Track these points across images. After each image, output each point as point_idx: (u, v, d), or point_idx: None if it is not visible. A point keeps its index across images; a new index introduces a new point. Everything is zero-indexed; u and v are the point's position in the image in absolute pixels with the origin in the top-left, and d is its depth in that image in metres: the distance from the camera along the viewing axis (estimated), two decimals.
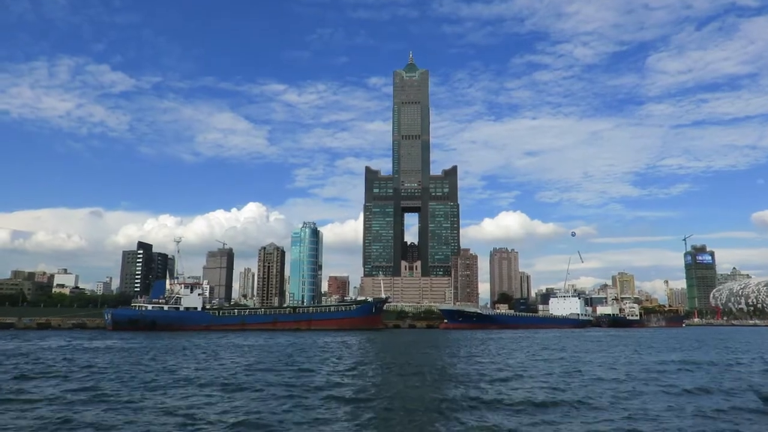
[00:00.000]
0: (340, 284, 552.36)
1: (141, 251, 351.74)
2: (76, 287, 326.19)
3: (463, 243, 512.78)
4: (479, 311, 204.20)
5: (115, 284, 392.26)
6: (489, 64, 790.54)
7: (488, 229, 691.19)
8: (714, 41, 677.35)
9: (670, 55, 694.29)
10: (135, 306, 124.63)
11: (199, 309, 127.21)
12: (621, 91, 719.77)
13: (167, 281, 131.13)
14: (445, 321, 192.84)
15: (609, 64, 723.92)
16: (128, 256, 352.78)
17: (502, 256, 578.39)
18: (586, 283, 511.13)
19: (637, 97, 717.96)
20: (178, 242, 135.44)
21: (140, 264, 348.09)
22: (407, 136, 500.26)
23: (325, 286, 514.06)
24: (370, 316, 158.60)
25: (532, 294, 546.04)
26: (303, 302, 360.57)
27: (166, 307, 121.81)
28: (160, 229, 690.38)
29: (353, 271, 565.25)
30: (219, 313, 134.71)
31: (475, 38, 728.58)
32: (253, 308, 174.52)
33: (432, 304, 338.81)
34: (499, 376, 37.94)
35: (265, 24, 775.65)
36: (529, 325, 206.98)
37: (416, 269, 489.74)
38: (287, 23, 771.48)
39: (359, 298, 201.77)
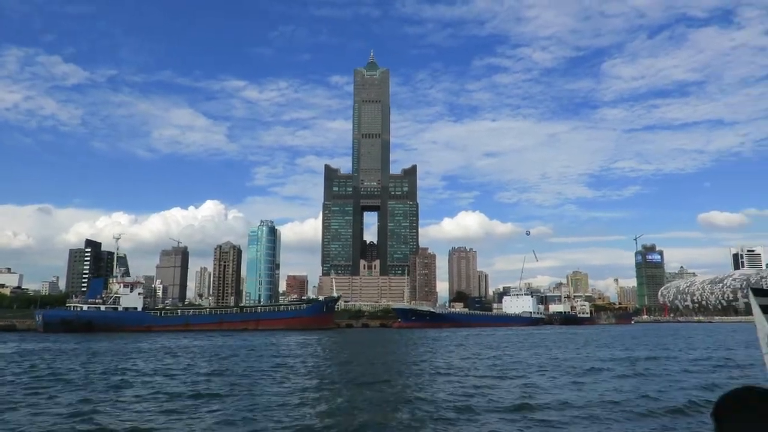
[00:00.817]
0: (299, 283, 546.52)
1: (89, 249, 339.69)
2: (18, 287, 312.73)
3: (423, 242, 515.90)
4: (433, 310, 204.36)
5: (63, 284, 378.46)
6: (450, 65, 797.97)
7: (448, 228, 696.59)
8: (665, 49, 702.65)
9: (624, 61, 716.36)
10: (70, 306, 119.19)
11: (140, 309, 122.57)
12: (578, 95, 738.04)
13: (111, 280, 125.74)
14: (399, 320, 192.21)
15: (566, 68, 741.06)
16: (75, 255, 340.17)
17: (461, 255, 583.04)
18: (543, 281, 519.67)
19: (593, 101, 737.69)
20: (117, 239, 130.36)
21: (88, 263, 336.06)
22: (367, 134, 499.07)
23: (283, 286, 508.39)
24: (321, 315, 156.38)
25: (490, 292, 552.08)
26: (260, 302, 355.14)
27: (103, 308, 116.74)
28: (113, 227, 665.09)
29: (313, 270, 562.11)
30: (161, 313, 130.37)
31: (436, 39, 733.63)
32: (198, 308, 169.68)
33: (390, 303, 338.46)
34: (411, 379, 36.75)
35: (227, 18, 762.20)
36: (482, 323, 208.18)
37: (375, 268, 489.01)
38: (250, 19, 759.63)
39: (311, 297, 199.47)
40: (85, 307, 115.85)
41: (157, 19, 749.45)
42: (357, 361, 50.97)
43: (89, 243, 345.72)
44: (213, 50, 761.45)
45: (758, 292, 3.08)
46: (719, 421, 1.94)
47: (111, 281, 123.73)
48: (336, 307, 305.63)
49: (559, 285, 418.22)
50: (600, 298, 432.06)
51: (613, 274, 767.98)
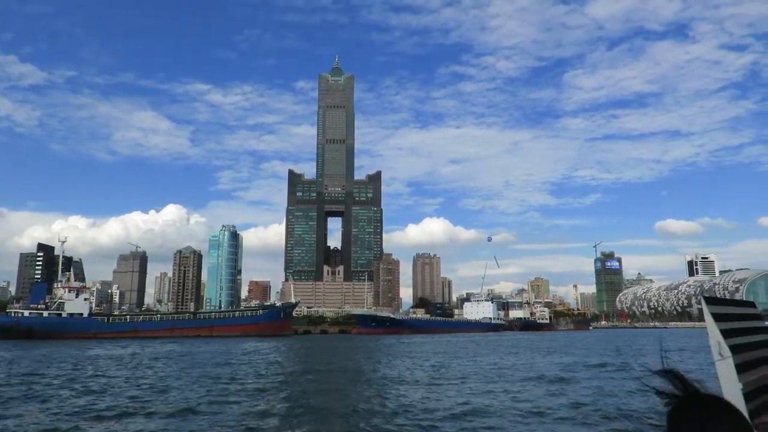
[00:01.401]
0: (262, 289, 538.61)
1: (41, 254, 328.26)
2: None
3: (388, 248, 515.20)
4: (392, 316, 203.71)
5: (14, 289, 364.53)
6: (416, 73, 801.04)
7: (412, 234, 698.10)
8: (624, 61, 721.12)
9: (585, 72, 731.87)
10: (10, 312, 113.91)
11: (86, 315, 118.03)
12: (540, 105, 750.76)
13: (55, 285, 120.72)
14: (359, 326, 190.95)
15: (529, 78, 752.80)
16: (26, 259, 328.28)
17: (425, 262, 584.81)
18: (506, 287, 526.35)
19: (555, 110, 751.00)
20: (63, 242, 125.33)
21: (40, 267, 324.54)
22: (332, 140, 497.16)
23: (246, 292, 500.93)
24: (277, 321, 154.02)
25: (454, 299, 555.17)
26: (221, 308, 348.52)
27: (45, 313, 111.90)
28: (70, 231, 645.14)
29: (277, 276, 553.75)
30: (108, 319, 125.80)
31: (402, 47, 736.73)
32: (148, 314, 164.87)
33: (353, 309, 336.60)
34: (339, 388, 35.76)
35: (191, 21, 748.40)
36: (441, 329, 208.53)
37: (339, 274, 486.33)
38: (214, 22, 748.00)
39: (272, 303, 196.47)
40: (26, 313, 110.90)
41: (120, 20, 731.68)
42: (293, 370, 49.70)
43: (41, 247, 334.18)
44: (177, 53, 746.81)
45: (710, 300, 3.15)
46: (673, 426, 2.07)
47: (55, 286, 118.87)
48: (297, 312, 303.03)
49: (520, 291, 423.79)
50: (561, 304, 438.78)
51: (574, 281, 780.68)
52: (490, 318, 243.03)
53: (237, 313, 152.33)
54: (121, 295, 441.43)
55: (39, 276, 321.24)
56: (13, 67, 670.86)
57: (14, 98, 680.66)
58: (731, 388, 2.73)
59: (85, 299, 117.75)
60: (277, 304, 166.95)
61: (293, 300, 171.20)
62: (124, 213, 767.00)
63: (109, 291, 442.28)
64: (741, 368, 2.86)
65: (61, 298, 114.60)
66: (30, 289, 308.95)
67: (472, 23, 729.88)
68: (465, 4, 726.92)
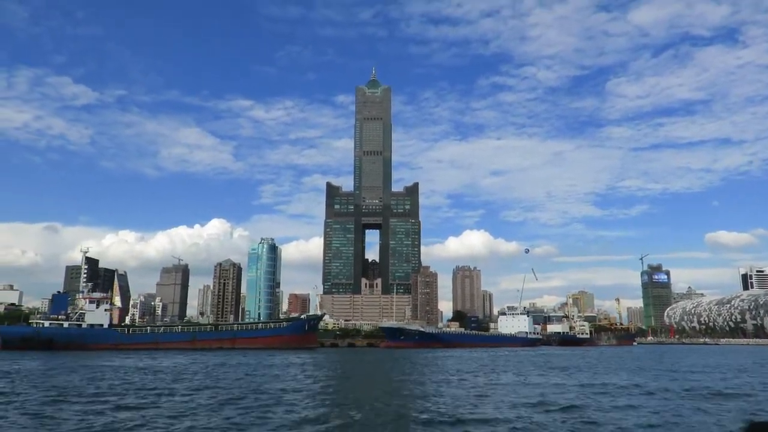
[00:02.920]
0: (301, 302, 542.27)
1: (86, 266, 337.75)
2: (13, 304, 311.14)
3: (427, 261, 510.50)
4: (422, 329, 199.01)
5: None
6: (455, 84, 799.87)
7: (452, 247, 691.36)
8: (669, 68, 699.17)
9: (629, 80, 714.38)
10: (32, 323, 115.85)
11: (106, 326, 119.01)
12: (582, 114, 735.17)
13: (76, 296, 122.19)
14: (387, 340, 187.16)
15: (571, 87, 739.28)
16: (72, 272, 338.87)
17: (465, 274, 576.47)
18: (549, 301, 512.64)
19: (598, 119, 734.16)
20: (86, 252, 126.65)
21: (85, 280, 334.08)
22: (369, 152, 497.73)
23: (286, 305, 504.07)
24: (302, 334, 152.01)
25: (495, 312, 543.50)
26: (260, 320, 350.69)
27: (66, 324, 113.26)
28: (119, 245, 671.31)
29: (318, 289, 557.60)
30: (129, 330, 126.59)
31: (441, 59, 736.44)
32: (168, 325, 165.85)
33: (399, 323, 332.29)
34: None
35: (233, 39, 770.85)
36: (474, 343, 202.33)
37: (377, 287, 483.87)
38: (255, 39, 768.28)
39: (298, 316, 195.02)
40: (46, 324, 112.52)
41: (165, 40, 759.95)
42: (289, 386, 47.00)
43: (87, 260, 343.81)
44: (220, 70, 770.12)
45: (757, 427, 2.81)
46: None
47: (77, 297, 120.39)
48: (335, 325, 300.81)
49: (563, 305, 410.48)
50: (605, 318, 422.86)
51: (619, 294, 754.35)
52: (526, 332, 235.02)
53: (260, 325, 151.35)
54: (164, 307, 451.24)
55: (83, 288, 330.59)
56: (67, 88, 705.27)
57: (67, 117, 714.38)
58: None
59: (106, 310, 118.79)
60: (302, 317, 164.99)
61: (318, 312, 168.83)
62: (170, 227, 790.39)
63: (152, 303, 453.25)
64: None
65: (81, 308, 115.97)
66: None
67: (511, 33, 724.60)
68: (504, 15, 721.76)
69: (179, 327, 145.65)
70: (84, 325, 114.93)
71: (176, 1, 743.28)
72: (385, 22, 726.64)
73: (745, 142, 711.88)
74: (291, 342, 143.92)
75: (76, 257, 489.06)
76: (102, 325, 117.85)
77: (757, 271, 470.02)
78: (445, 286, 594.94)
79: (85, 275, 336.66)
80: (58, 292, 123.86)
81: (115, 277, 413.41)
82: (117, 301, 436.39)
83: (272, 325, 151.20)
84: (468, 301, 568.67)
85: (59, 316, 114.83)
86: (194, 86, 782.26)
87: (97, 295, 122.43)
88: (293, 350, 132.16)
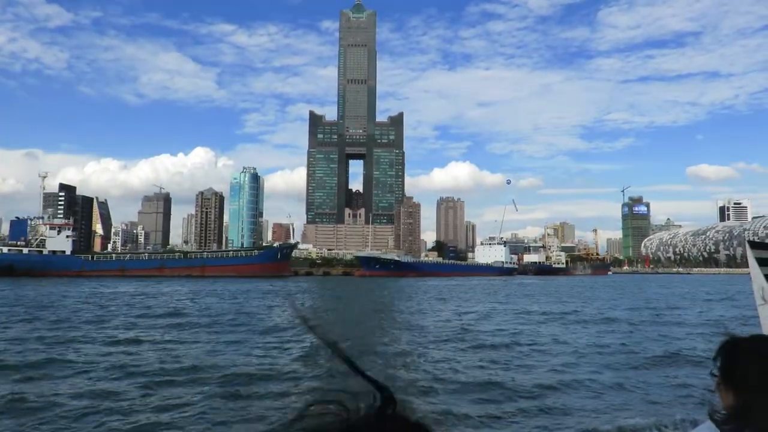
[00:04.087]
0: (285, 231, 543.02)
1: (62, 194, 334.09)
2: None
3: (413, 192, 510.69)
4: (397, 258, 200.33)
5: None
6: (444, 11, 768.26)
7: (438, 178, 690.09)
8: None
9: (621, 9, 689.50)
10: None
11: (68, 253, 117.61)
12: (572, 44, 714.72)
13: (35, 221, 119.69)
14: (362, 269, 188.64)
15: (562, 16, 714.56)
16: (48, 199, 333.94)
17: (449, 205, 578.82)
18: (533, 232, 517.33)
19: (588, 50, 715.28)
20: (44, 177, 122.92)
21: (62, 208, 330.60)
22: (353, 80, 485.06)
23: (270, 234, 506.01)
24: (274, 263, 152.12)
25: (478, 243, 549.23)
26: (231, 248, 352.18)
27: (26, 250, 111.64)
28: (102, 173, 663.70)
29: (302, 219, 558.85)
30: (93, 257, 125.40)
31: None
32: (135, 252, 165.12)
33: (377, 251, 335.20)
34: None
35: None
36: (450, 273, 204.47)
37: (360, 217, 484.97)
38: None
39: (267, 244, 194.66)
40: (5, 250, 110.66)
41: None
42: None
43: (63, 187, 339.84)
44: None
45: (756, 245, 3.04)
46: (730, 361, 1.99)
47: (36, 223, 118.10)
48: (318, 254, 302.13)
49: (544, 236, 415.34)
50: (585, 249, 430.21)
51: (601, 226, 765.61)
52: (503, 262, 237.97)
53: (231, 254, 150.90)
54: (146, 235, 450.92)
55: (61, 216, 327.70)
56: (40, 8, 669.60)
57: (42, 40, 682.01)
58: None
59: (68, 236, 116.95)
60: (275, 245, 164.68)
61: (292, 241, 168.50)
62: (153, 155, 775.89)
63: (135, 231, 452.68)
64: None
65: (42, 234, 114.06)
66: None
67: None
68: None
69: (146, 254, 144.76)
70: (45, 252, 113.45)
71: None
72: None
73: (733, 76, 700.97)
74: (263, 270, 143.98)
75: (55, 185, 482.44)
76: (64, 251, 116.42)
77: (735, 204, 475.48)
78: (429, 217, 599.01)
79: (61, 202, 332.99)
80: (17, 218, 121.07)
81: (95, 204, 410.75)
82: (98, 228, 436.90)
83: (243, 253, 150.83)
84: (451, 232, 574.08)
85: (18, 243, 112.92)
86: (173, 8, 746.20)
87: (58, 221, 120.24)
88: (265, 278, 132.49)
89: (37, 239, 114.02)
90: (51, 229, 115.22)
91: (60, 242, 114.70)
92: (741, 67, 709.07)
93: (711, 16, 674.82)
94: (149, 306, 47.65)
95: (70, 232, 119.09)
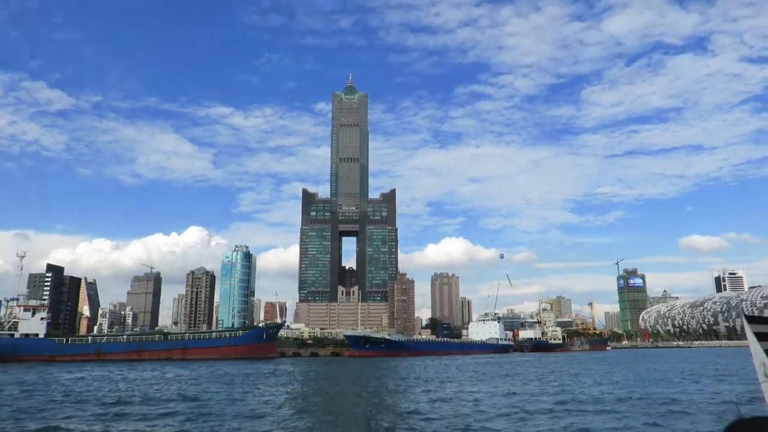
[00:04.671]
0: (278, 311, 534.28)
1: (50, 274, 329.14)
2: None
3: (407, 269, 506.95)
4: (388, 337, 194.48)
5: None
6: (434, 92, 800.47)
7: (431, 254, 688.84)
8: (642, 76, 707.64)
9: (603, 88, 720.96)
10: None
11: (42, 336, 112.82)
12: (559, 122, 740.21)
13: (9, 303, 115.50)
14: (351, 348, 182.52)
15: (547, 95, 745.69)
16: (35, 280, 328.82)
17: (443, 281, 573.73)
18: (529, 307, 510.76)
19: (574, 127, 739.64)
20: (22, 257, 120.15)
21: (48, 288, 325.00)
22: (345, 158, 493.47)
23: (262, 314, 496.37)
24: (260, 343, 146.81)
25: (474, 319, 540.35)
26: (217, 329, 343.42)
27: None
28: (93, 253, 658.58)
29: (294, 297, 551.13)
30: (68, 340, 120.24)
31: (420, 67, 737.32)
32: (113, 335, 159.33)
33: (368, 330, 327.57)
34: None
35: (214, 46, 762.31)
36: (443, 351, 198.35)
37: (353, 294, 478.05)
38: (236, 47, 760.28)
39: (257, 324, 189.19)
40: None
41: (144, 46, 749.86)
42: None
43: (50, 267, 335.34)
44: (199, 77, 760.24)
45: (753, 319, 2.99)
46: None
47: (10, 304, 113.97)
48: (310, 333, 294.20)
49: (540, 311, 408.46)
50: (582, 323, 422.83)
51: (597, 299, 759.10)
52: (497, 339, 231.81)
53: (214, 335, 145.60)
54: (135, 316, 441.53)
55: (47, 297, 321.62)
56: (42, 92, 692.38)
57: (42, 123, 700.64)
58: None
59: (42, 318, 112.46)
60: (260, 325, 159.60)
61: (278, 320, 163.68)
62: (147, 235, 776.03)
63: (123, 313, 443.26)
64: None
65: (15, 317, 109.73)
66: (53, 311, 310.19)
67: (488, 42, 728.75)
68: (481, 24, 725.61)
69: (124, 336, 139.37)
70: (17, 335, 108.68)
71: (157, 7, 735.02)
72: (365, 31, 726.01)
73: (716, 148, 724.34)
74: (248, 352, 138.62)
75: (42, 265, 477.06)
76: (37, 334, 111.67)
77: (730, 274, 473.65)
78: (424, 293, 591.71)
79: (48, 284, 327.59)
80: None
81: (83, 285, 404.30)
82: (85, 310, 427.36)
83: (227, 334, 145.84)
84: (446, 309, 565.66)
85: None
86: (173, 93, 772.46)
87: (33, 302, 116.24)
88: (250, 360, 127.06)
89: (9, 322, 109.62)
90: (25, 310, 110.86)
91: (33, 325, 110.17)
92: (722, 140, 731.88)
93: (691, 93, 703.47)
94: (87, 392, 44.11)
95: (44, 314, 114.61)
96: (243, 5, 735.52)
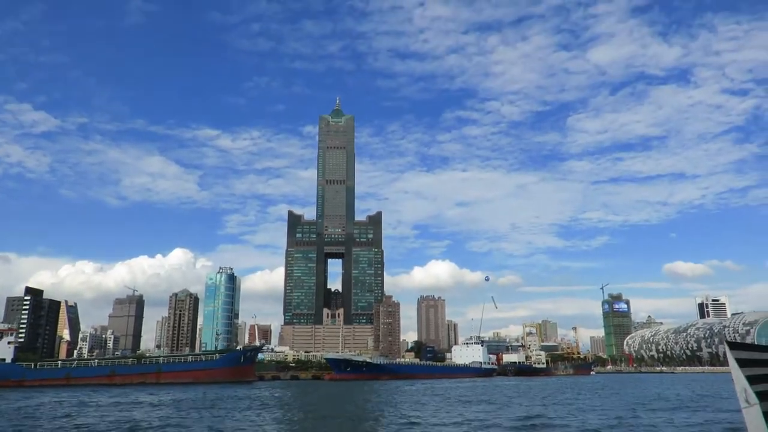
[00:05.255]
0: (263, 333, 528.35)
1: (28, 297, 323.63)
2: None
3: (394, 291, 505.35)
4: (369, 360, 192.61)
5: None
6: (421, 117, 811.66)
7: (418, 277, 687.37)
8: (627, 105, 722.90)
9: (588, 116, 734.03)
10: None
11: (9, 360, 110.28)
12: (545, 148, 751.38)
13: None
14: (332, 371, 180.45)
15: (533, 122, 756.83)
16: (13, 303, 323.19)
17: (429, 304, 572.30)
18: (515, 331, 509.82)
19: (560, 153, 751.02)
20: None
21: (27, 312, 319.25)
22: (332, 180, 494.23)
23: (247, 337, 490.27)
24: (237, 366, 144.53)
25: (460, 342, 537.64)
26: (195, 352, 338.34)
27: None
28: (76, 276, 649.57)
29: (280, 320, 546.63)
30: (36, 365, 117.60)
31: (408, 92, 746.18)
32: (84, 359, 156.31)
33: (352, 353, 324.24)
34: None
35: (202, 70, 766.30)
36: (425, 375, 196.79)
37: (339, 317, 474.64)
38: (224, 70, 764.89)
39: (238, 347, 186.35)
40: None
41: (132, 68, 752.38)
42: None
43: (29, 291, 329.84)
44: (187, 100, 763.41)
45: (734, 345, 3.08)
46: None
47: None
48: (295, 356, 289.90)
49: (525, 335, 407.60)
50: (568, 347, 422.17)
51: (582, 324, 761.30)
52: (480, 362, 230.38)
53: (190, 358, 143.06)
54: (116, 340, 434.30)
55: (25, 321, 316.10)
56: (27, 114, 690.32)
57: (26, 145, 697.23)
58: None
59: (9, 342, 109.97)
60: (238, 348, 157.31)
61: (257, 343, 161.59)
62: (131, 258, 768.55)
63: (104, 336, 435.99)
64: None
65: None
66: (20, 335, 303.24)
67: (476, 69, 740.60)
68: (469, 51, 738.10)
69: (95, 361, 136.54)
70: None
71: (146, 31, 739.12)
72: (353, 56, 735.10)
73: (699, 177, 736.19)
74: (224, 376, 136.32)
75: (21, 288, 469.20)
76: (4, 359, 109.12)
77: (713, 300, 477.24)
78: (410, 316, 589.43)
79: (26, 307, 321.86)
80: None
81: (63, 308, 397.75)
82: (65, 334, 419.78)
83: (203, 357, 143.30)
84: (433, 331, 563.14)
85: None
86: (160, 115, 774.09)
87: (1, 326, 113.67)
88: (227, 384, 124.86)
89: None
90: None
91: (0, 349, 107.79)
92: (705, 169, 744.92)
93: (674, 122, 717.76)
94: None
95: (12, 338, 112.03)
96: (232, 29, 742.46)
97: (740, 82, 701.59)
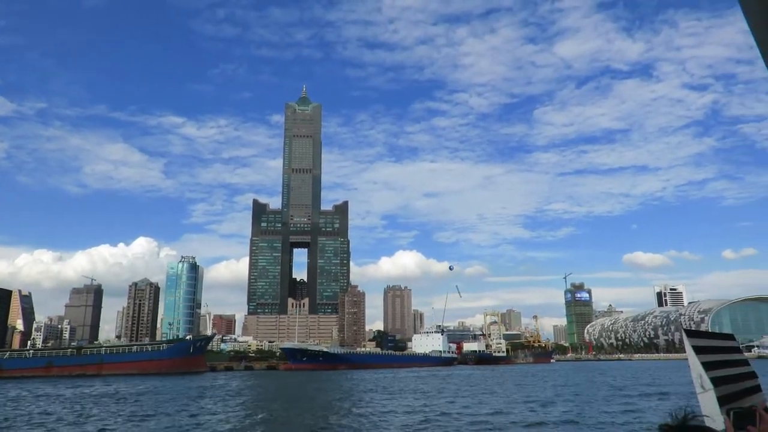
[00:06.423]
0: (227, 323, 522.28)
1: None
2: None
3: (361, 281, 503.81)
4: (326, 350, 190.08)
5: None
6: (390, 107, 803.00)
7: (385, 267, 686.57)
8: (592, 99, 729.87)
9: (554, 108, 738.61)
10: None
11: None
12: (512, 140, 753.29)
13: None
14: (288, 361, 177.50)
15: (501, 114, 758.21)
16: None
17: (396, 294, 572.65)
18: (481, 320, 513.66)
19: (526, 145, 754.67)
20: None
21: None
22: (298, 169, 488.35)
23: (210, 327, 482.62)
24: (186, 357, 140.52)
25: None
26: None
27: None
28: (34, 265, 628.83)
29: (244, 310, 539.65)
30: None
31: (377, 82, 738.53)
32: (18, 350, 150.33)
33: (318, 343, 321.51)
34: None
35: (166, 54, 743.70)
36: (384, 364, 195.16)
37: (304, 306, 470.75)
38: (189, 56, 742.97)
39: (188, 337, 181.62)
40: None
41: (93, 52, 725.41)
42: None
43: None
44: (151, 86, 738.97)
45: (691, 333, 3.24)
46: None
47: None
48: (259, 346, 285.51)
49: (492, 324, 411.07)
50: (531, 336, 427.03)
51: (546, 313, 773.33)
52: (440, 351, 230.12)
53: (135, 348, 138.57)
54: (72, 330, 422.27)
55: None
56: None
57: None
58: (714, 420, 2.86)
59: None
60: (188, 338, 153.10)
61: (209, 333, 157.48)
62: (92, 246, 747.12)
63: (60, 326, 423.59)
64: (723, 401, 3.00)
65: None
66: None
67: (445, 61, 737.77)
68: (438, 43, 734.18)
69: (30, 351, 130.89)
70: None
71: (107, 13, 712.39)
72: (322, 45, 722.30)
73: (660, 170, 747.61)
74: (172, 366, 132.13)
75: None
76: None
77: (671, 289, 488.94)
78: (377, 306, 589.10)
79: None
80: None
81: (16, 297, 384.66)
82: (18, 324, 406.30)
83: (149, 347, 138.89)
84: (399, 321, 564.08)
85: None
86: (122, 101, 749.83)
87: None
88: (173, 376, 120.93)
89: None
90: None
91: None
92: (666, 162, 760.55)
93: (637, 116, 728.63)
94: None
95: None
96: (196, 15, 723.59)
97: (700, 77, 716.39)
